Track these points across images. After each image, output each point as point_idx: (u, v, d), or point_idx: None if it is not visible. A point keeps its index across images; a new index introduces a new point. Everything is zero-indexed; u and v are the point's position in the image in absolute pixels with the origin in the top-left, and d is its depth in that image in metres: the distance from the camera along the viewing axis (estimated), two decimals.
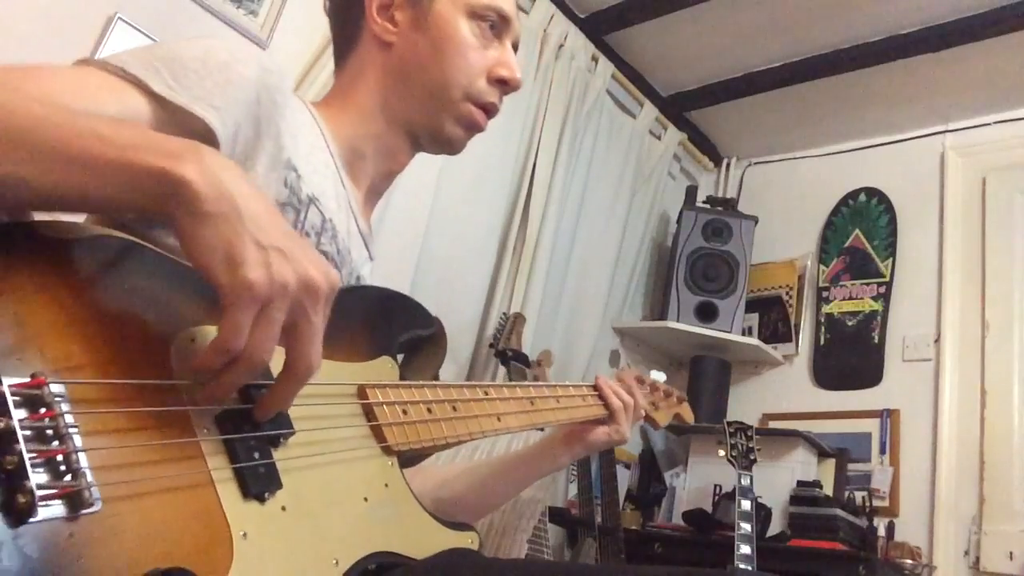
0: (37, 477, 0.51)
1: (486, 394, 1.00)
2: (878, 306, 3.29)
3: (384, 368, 0.89)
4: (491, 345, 2.65)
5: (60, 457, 0.53)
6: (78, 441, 0.54)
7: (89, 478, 0.53)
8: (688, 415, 1.52)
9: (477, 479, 1.18)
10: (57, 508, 0.52)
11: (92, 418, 0.56)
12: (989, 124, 3.27)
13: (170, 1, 2.03)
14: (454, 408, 0.93)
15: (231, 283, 0.57)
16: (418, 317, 0.97)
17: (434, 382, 0.94)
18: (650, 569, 0.74)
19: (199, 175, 0.57)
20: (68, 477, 0.52)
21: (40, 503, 0.50)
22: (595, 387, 1.23)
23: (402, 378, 0.92)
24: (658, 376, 1.45)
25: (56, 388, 0.54)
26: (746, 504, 2.29)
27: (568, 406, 1.16)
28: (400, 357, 0.96)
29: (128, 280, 0.64)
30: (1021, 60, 2.98)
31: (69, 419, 0.54)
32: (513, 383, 1.09)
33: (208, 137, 0.76)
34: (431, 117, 1.00)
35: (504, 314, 2.68)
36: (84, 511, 0.53)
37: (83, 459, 0.54)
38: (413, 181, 2.45)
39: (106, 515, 0.54)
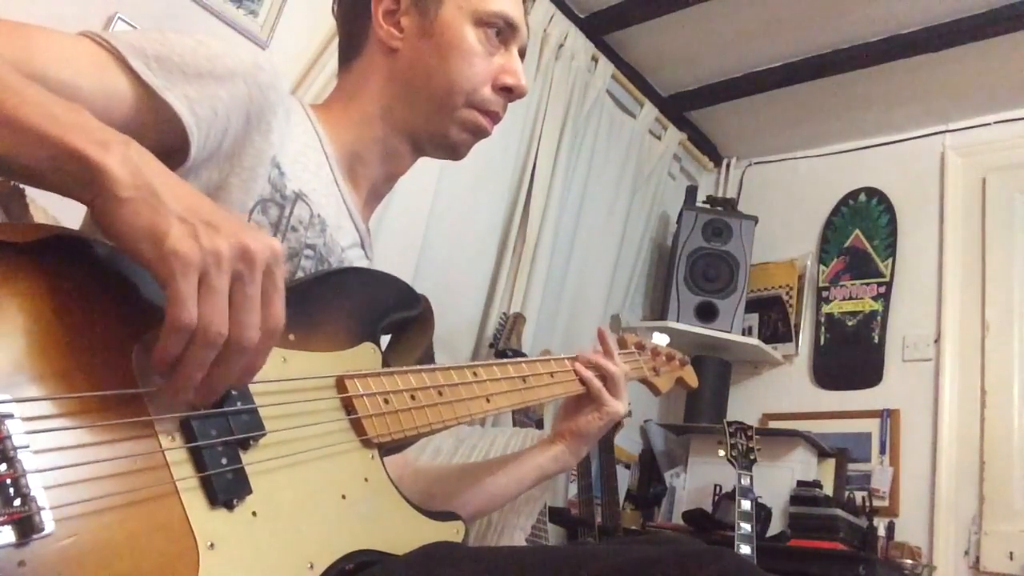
0: None
1: (475, 375, 0.96)
2: (878, 306, 3.29)
3: (366, 356, 0.85)
4: (491, 345, 2.65)
5: (8, 481, 0.50)
6: (28, 462, 0.51)
7: (40, 501, 0.51)
8: (691, 379, 1.45)
9: (474, 478, 1.14)
10: (6, 535, 0.49)
11: (46, 435, 0.53)
12: (989, 124, 3.27)
13: (170, 1, 2.04)
14: (440, 393, 0.90)
15: (159, 256, 0.56)
16: (402, 297, 0.93)
17: (419, 367, 0.90)
18: (636, 548, 0.73)
19: (118, 163, 0.57)
20: (17, 502, 0.50)
21: None
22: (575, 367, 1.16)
23: (388, 362, 0.89)
24: (660, 340, 1.39)
25: (5, 407, 0.52)
26: (746, 504, 2.29)
27: (564, 380, 1.11)
28: (386, 340, 0.93)
29: (85, 283, 0.61)
30: (1021, 60, 2.97)
31: (19, 440, 0.51)
32: (504, 360, 1.05)
33: (178, 126, 0.76)
34: (435, 123, 1.00)
35: (504, 314, 2.68)
36: (35, 536, 0.50)
37: (33, 481, 0.51)
38: (413, 181, 2.44)
39: (60, 537, 0.52)
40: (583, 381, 1.15)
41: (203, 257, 0.57)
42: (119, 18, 1.92)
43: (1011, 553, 2.70)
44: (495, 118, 1.02)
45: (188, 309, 0.56)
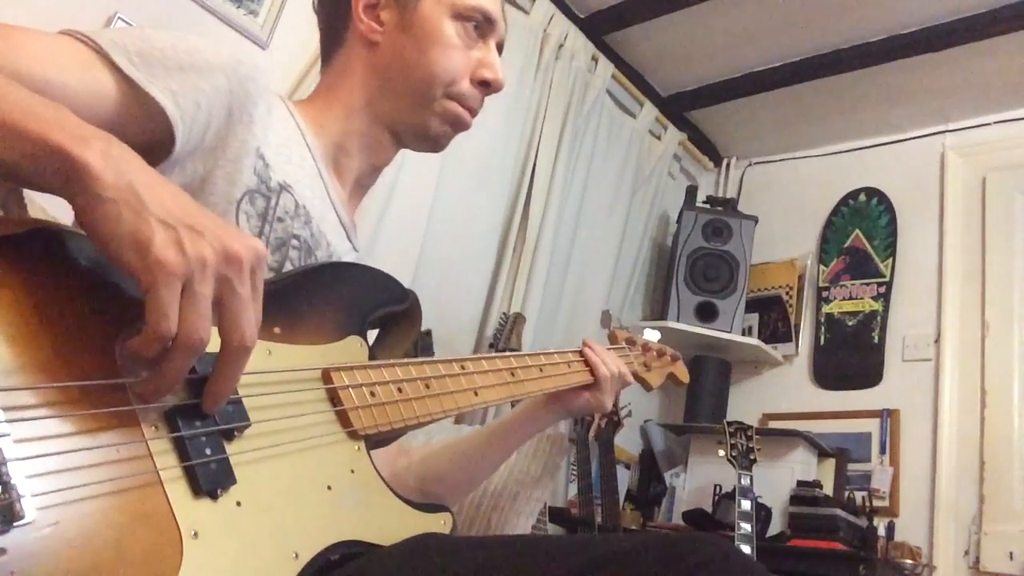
0: None
1: (462, 368, 0.96)
2: (878, 306, 3.29)
3: (352, 348, 0.85)
4: (491, 345, 2.66)
5: None
6: (8, 451, 0.52)
7: (21, 488, 0.51)
8: (683, 374, 1.45)
9: (460, 452, 1.19)
10: None
11: (28, 424, 0.53)
12: (989, 124, 3.27)
13: (170, 1, 2.04)
14: (427, 386, 0.89)
15: (143, 266, 0.56)
16: (389, 292, 0.94)
17: (407, 360, 0.90)
18: (628, 537, 0.73)
19: (100, 160, 0.56)
20: None
21: None
22: (581, 353, 1.21)
23: (375, 356, 0.89)
24: (651, 336, 1.39)
25: None
26: (746, 504, 2.29)
27: (552, 374, 1.12)
28: (374, 334, 0.93)
29: (69, 274, 0.61)
30: (1021, 60, 2.98)
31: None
32: (493, 354, 1.05)
33: (162, 119, 0.77)
34: (415, 116, 1.02)
35: (504, 314, 2.68)
36: (16, 524, 0.50)
37: (13, 469, 0.51)
38: (413, 181, 2.45)
39: (41, 526, 0.52)
40: (595, 371, 1.20)
41: (187, 265, 0.57)
42: (119, 18, 1.92)
43: (1011, 553, 2.69)
44: (472, 112, 1.04)
45: (169, 319, 0.56)
